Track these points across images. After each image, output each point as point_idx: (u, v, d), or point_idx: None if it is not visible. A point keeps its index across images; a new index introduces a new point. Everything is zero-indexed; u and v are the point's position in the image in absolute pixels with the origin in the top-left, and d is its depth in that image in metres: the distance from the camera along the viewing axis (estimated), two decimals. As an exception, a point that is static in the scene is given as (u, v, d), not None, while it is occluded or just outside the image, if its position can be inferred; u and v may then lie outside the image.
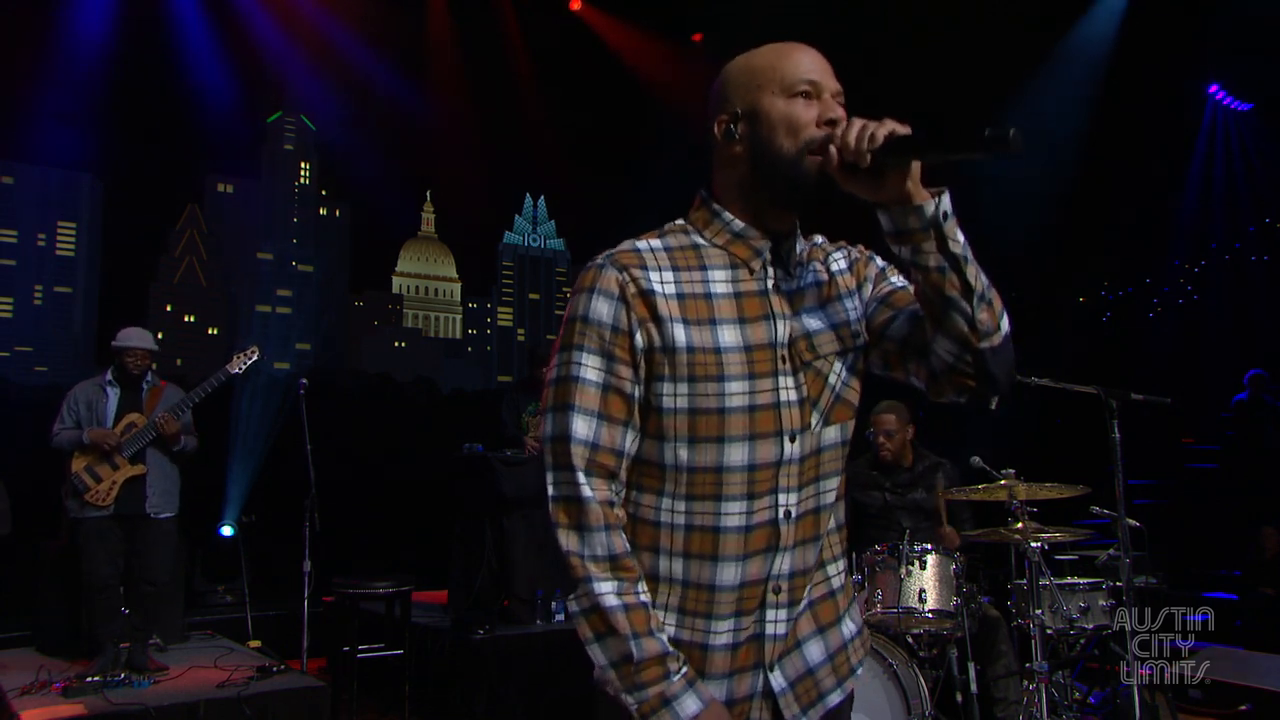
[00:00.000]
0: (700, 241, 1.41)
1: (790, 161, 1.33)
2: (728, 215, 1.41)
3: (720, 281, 1.38)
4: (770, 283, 1.40)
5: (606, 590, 1.29)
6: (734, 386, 1.33)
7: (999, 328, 1.33)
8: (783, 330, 1.37)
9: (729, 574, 1.35)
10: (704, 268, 1.39)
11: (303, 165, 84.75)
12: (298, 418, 5.50)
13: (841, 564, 1.50)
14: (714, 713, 1.29)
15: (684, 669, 1.30)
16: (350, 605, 4.93)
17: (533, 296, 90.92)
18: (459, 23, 14.93)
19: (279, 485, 7.29)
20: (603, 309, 1.34)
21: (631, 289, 1.34)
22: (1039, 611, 3.68)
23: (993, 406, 1.39)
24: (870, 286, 1.48)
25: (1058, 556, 4.45)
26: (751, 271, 1.39)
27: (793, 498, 1.37)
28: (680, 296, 1.35)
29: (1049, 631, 3.80)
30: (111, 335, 5.11)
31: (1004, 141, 1.15)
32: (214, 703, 4.29)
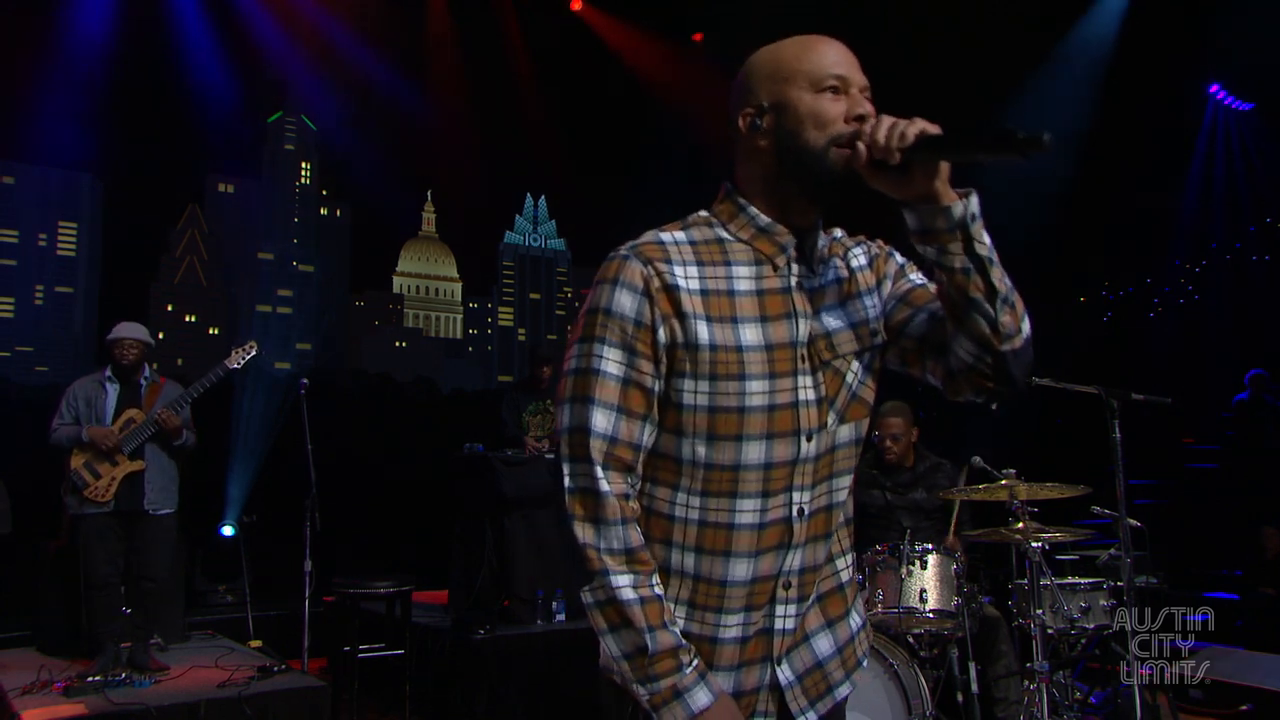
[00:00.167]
0: (725, 235, 1.40)
1: (817, 156, 1.32)
2: (753, 210, 1.40)
3: (744, 278, 1.37)
4: (793, 280, 1.39)
5: (623, 583, 1.29)
6: (754, 386, 1.32)
7: (1020, 330, 1.33)
8: (803, 329, 1.37)
9: (741, 569, 1.35)
10: (728, 263, 1.37)
11: (303, 165, 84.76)
12: (298, 418, 5.50)
13: (850, 558, 1.50)
14: (723, 706, 1.30)
15: (695, 662, 1.31)
16: (351, 605, 4.93)
17: (533, 296, 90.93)
18: (459, 23, 14.94)
19: (280, 485, 7.29)
20: (626, 302, 1.33)
21: (656, 283, 1.33)
22: (1040, 611, 3.67)
23: (994, 406, 1.40)
24: (889, 283, 1.47)
25: (1058, 556, 4.45)
26: (775, 268, 1.38)
27: (806, 495, 1.37)
28: (704, 293, 1.34)
29: (1050, 631, 3.80)
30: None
31: (1037, 144, 1.15)
32: (215, 702, 4.29)
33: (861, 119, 1.31)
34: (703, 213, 1.45)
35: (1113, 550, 4.05)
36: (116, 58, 12.11)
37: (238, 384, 9.35)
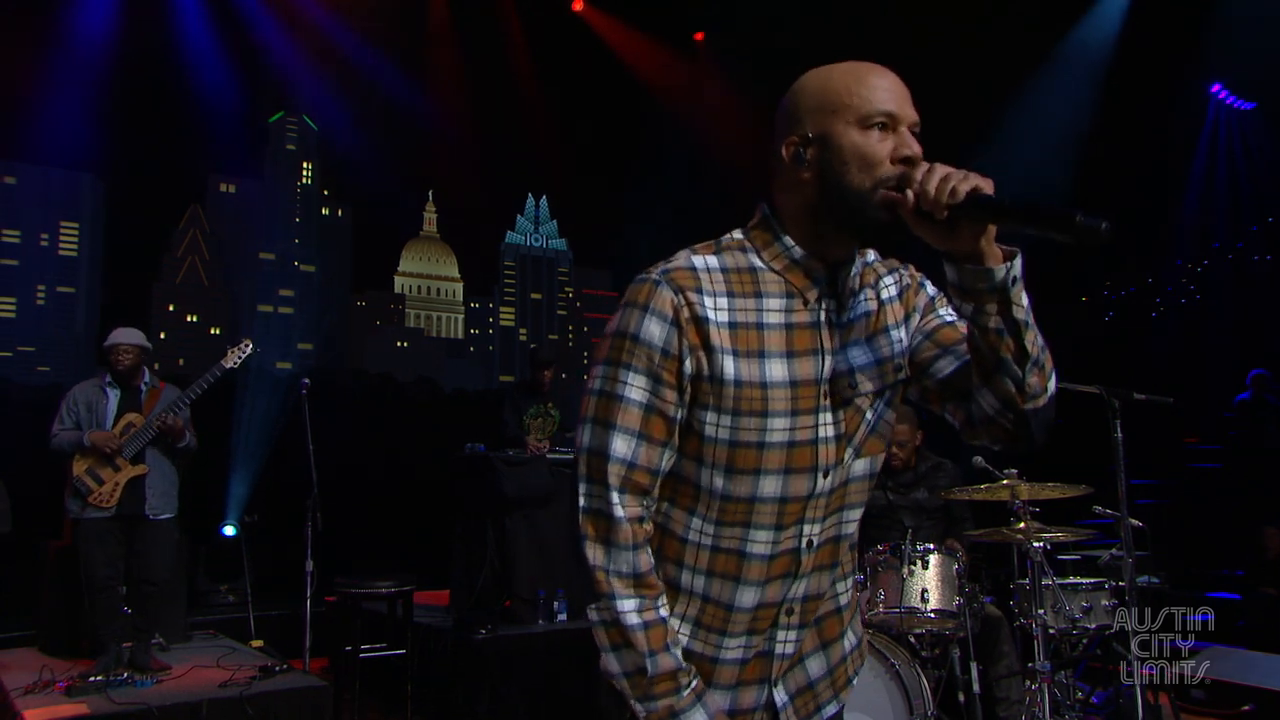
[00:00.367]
0: (758, 264, 1.38)
1: (861, 198, 1.29)
2: (789, 240, 1.37)
3: (774, 311, 1.35)
4: (823, 315, 1.37)
5: (629, 608, 1.31)
6: (776, 423, 1.32)
7: (1046, 390, 1.33)
8: (828, 366, 1.36)
9: (748, 597, 1.37)
10: (759, 295, 1.36)
11: (305, 165, 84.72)
12: (300, 418, 5.51)
13: (851, 580, 1.51)
14: None
15: (693, 683, 1.32)
16: (352, 605, 4.94)
17: (535, 296, 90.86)
18: (461, 23, 14.93)
19: (281, 485, 7.30)
20: (655, 330, 1.32)
21: (686, 314, 1.31)
22: (1041, 611, 3.68)
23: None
24: (918, 317, 1.45)
25: (1060, 556, 4.45)
26: (805, 303, 1.36)
27: (816, 528, 1.38)
28: (733, 325, 1.33)
29: (1051, 631, 3.80)
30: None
31: (1095, 233, 1.10)
32: (216, 702, 4.30)
33: (909, 161, 1.28)
34: (737, 234, 1.42)
35: (1114, 550, 4.05)
36: (118, 58, 12.10)
37: (239, 384, 9.36)
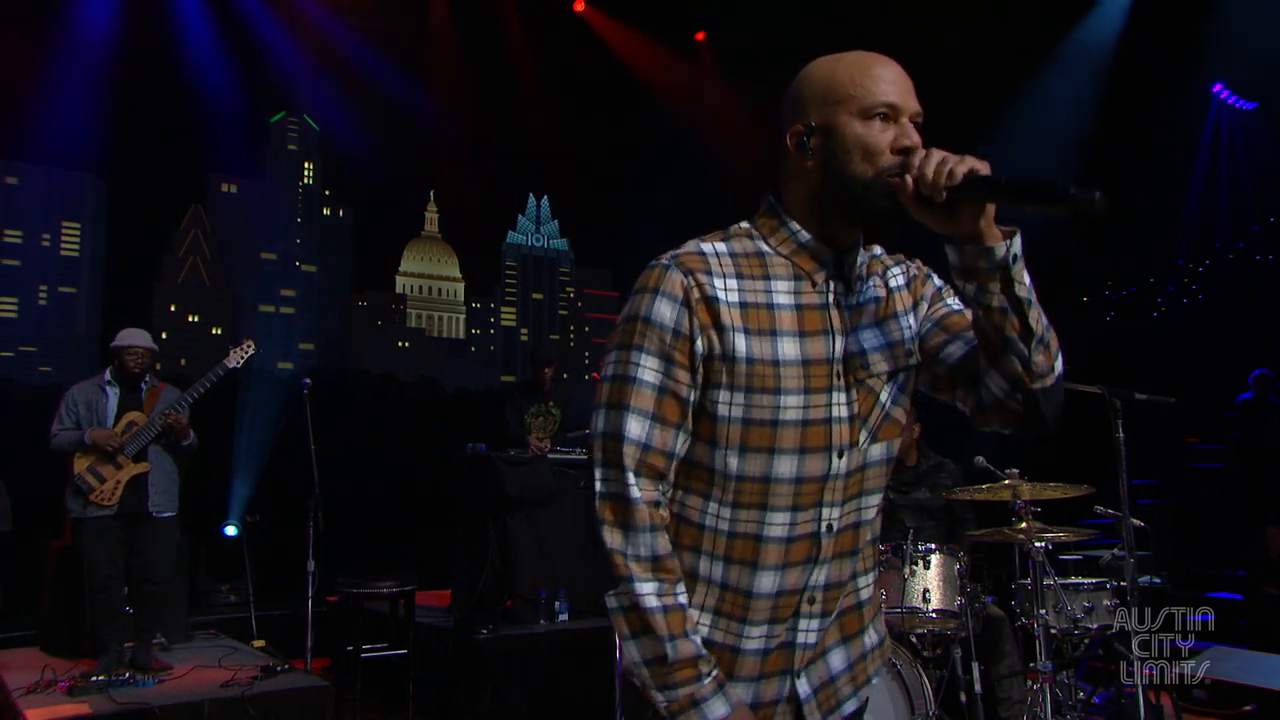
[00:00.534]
0: (765, 249, 1.40)
1: (864, 187, 1.32)
2: (794, 225, 1.40)
3: (783, 292, 1.37)
4: (831, 297, 1.39)
5: (647, 591, 1.30)
6: (789, 400, 1.33)
7: (1053, 369, 1.33)
8: (839, 346, 1.37)
9: (767, 582, 1.36)
10: (767, 277, 1.38)
11: (306, 165, 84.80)
12: (301, 418, 5.52)
13: (872, 576, 1.50)
14: (740, 717, 1.30)
15: (714, 672, 1.31)
16: (354, 605, 4.94)
17: (536, 296, 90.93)
18: (462, 23, 14.94)
19: (283, 485, 7.30)
20: (665, 312, 1.33)
21: (696, 294, 1.33)
22: (1043, 611, 3.67)
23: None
24: (926, 306, 1.47)
25: (1062, 556, 4.45)
26: (814, 284, 1.38)
27: (835, 512, 1.38)
28: (743, 305, 1.35)
29: (1053, 631, 3.80)
30: (115, 336, 5.12)
31: (1089, 203, 1.13)
32: (218, 702, 4.30)
33: (907, 150, 1.30)
34: (744, 224, 1.45)
35: (1116, 550, 4.04)
36: (120, 58, 12.12)
37: (241, 385, 9.36)
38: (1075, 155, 10.12)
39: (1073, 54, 11.04)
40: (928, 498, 4.49)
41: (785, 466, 1.34)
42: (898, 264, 1.50)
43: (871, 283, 1.45)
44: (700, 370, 1.34)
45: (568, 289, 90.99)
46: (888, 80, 1.34)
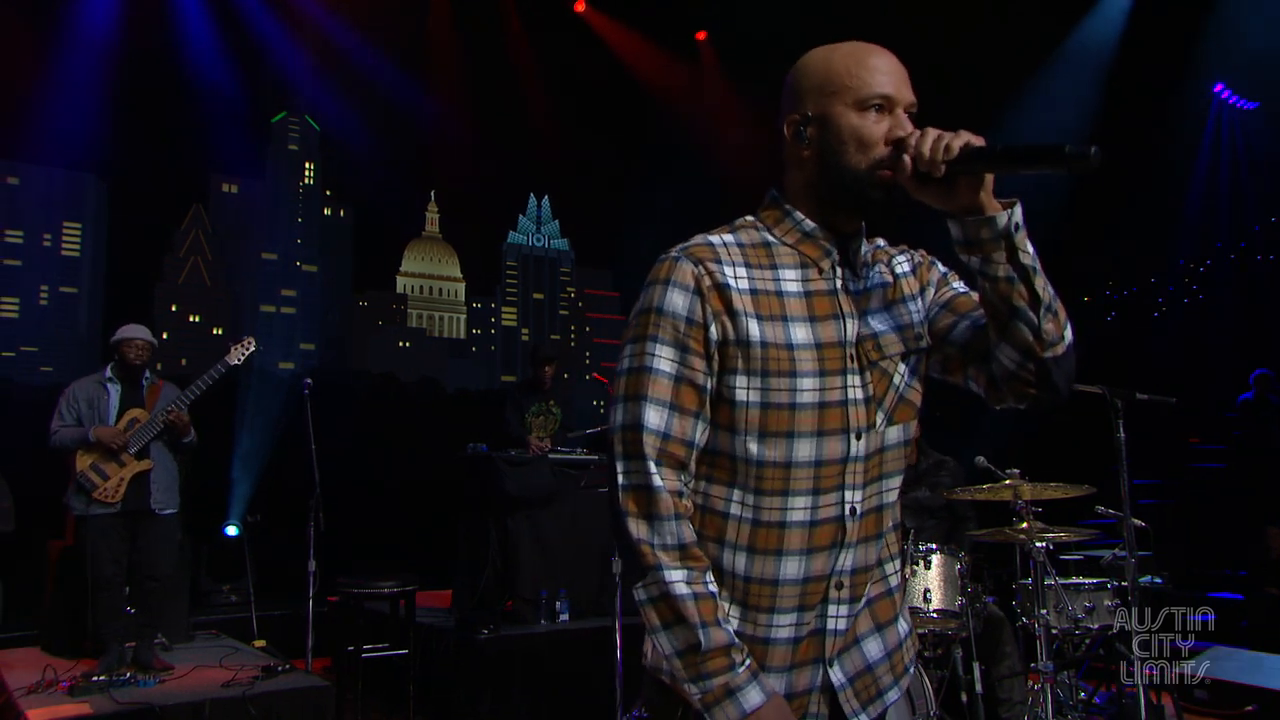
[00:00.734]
0: (771, 239, 1.42)
1: (858, 178, 1.34)
2: (798, 215, 1.41)
3: (791, 280, 1.39)
4: (839, 282, 1.40)
5: (677, 579, 1.29)
6: (805, 383, 1.34)
7: (1063, 337, 1.34)
8: (851, 329, 1.38)
9: (792, 568, 1.36)
10: (775, 266, 1.40)
11: (307, 165, 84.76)
12: (302, 418, 5.52)
13: (898, 563, 1.50)
14: (775, 706, 1.29)
15: (748, 661, 1.30)
16: (355, 605, 4.94)
17: (537, 296, 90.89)
18: (463, 24, 14.95)
19: (283, 485, 7.31)
20: (678, 301, 1.34)
21: (707, 281, 1.34)
22: (1044, 611, 3.67)
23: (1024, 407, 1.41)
24: (933, 290, 1.49)
25: (1063, 556, 4.45)
26: (820, 271, 1.40)
27: (858, 494, 1.38)
28: (754, 292, 1.36)
29: (1054, 631, 3.80)
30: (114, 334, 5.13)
31: (1084, 159, 1.15)
32: (219, 702, 4.30)
33: (900, 142, 1.31)
34: (749, 217, 1.47)
35: (1117, 550, 4.04)
36: (121, 59, 12.13)
37: (242, 384, 9.37)
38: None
39: (1073, 54, 11.03)
40: (928, 496, 4.49)
41: (804, 449, 1.34)
42: (901, 252, 1.52)
43: (877, 269, 1.47)
44: (715, 357, 1.35)
45: (568, 289, 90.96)
46: (883, 71, 1.35)
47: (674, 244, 1.42)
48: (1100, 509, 4.10)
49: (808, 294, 1.38)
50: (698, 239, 1.41)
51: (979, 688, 3.81)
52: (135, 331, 5.06)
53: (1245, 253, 11.69)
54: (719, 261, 1.36)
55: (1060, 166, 1.17)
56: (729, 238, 1.41)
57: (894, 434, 1.41)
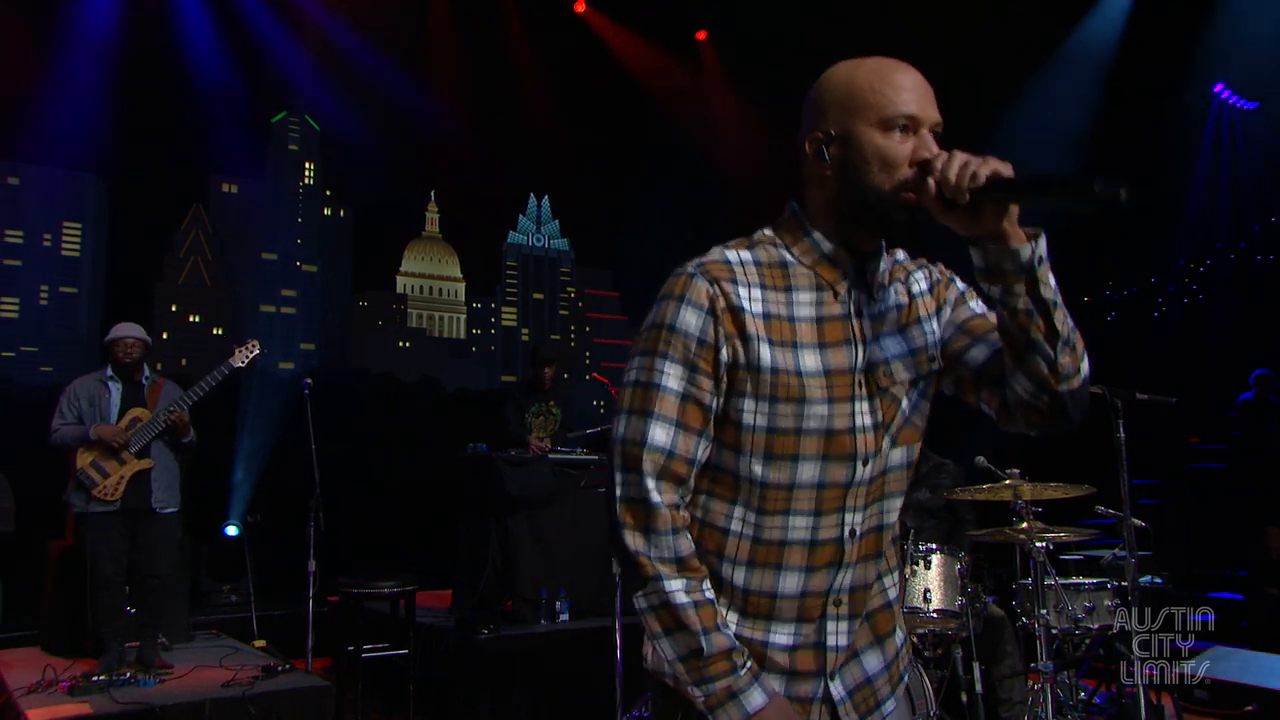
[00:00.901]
0: (788, 259, 1.40)
1: (881, 199, 1.31)
2: (817, 235, 1.40)
3: (805, 304, 1.38)
4: (853, 306, 1.39)
5: (676, 588, 1.30)
6: (813, 410, 1.33)
7: (1079, 370, 1.33)
8: (862, 356, 1.38)
9: (791, 583, 1.36)
10: (790, 289, 1.38)
11: (307, 165, 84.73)
12: (302, 418, 5.52)
13: (896, 575, 1.51)
14: (778, 706, 1.30)
15: (749, 664, 1.32)
16: (355, 605, 4.94)
17: (537, 296, 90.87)
18: (463, 24, 14.94)
19: (284, 485, 7.31)
20: (691, 320, 1.34)
21: (721, 303, 1.34)
22: (1044, 611, 3.67)
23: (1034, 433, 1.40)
24: (949, 310, 1.47)
25: (1063, 556, 4.45)
26: (836, 295, 1.39)
27: (858, 516, 1.38)
28: (766, 316, 1.35)
29: (1054, 631, 3.80)
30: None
31: (1114, 198, 1.12)
32: (219, 702, 4.30)
33: (926, 164, 1.29)
34: (767, 231, 1.44)
35: (1117, 550, 4.05)
36: (121, 59, 12.13)
37: (242, 384, 9.38)
38: (1076, 155, 10.12)
39: (1073, 54, 11.03)
40: (928, 498, 4.49)
41: (808, 472, 1.34)
42: (920, 268, 1.49)
43: (894, 289, 1.45)
44: (724, 378, 1.34)
45: (568, 289, 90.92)
46: (908, 89, 1.32)
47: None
48: (1100, 509, 4.10)
49: (820, 319, 1.37)
50: (715, 254, 1.39)
51: (979, 688, 3.81)
52: (125, 330, 5.06)
53: (1245, 253, 11.69)
54: (735, 282, 1.35)
55: (1089, 204, 1.14)
56: (746, 255, 1.39)
57: (897, 456, 1.41)
